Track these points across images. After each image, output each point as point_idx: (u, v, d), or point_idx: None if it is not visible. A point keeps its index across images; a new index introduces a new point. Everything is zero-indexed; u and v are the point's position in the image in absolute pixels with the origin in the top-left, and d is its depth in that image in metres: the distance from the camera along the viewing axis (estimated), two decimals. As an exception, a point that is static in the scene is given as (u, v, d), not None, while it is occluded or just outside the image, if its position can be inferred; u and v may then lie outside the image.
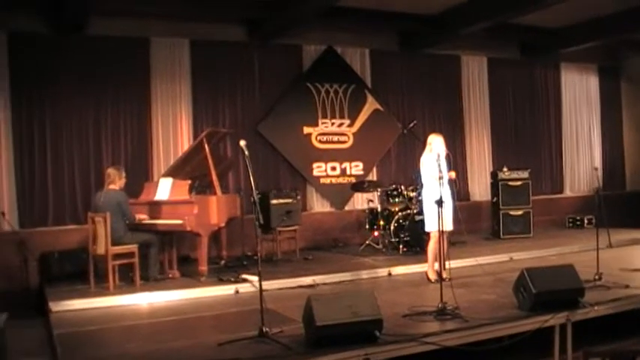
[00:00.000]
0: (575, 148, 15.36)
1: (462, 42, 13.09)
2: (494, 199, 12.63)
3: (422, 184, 8.59)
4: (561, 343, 6.08)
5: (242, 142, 6.17)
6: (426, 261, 8.61)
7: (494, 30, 12.32)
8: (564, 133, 15.23)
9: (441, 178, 7.01)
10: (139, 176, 10.41)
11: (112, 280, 8.16)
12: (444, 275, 7.41)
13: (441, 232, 7.01)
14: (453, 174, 8.15)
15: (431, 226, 8.18)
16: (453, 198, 8.02)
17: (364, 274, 9.04)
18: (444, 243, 7.34)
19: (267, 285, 7.69)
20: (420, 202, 9.68)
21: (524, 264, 7.70)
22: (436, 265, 8.26)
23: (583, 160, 15.39)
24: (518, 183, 12.50)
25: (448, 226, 8.05)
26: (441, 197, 6.82)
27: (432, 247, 8.31)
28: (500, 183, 12.48)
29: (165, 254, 9.21)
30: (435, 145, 8.17)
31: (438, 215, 6.83)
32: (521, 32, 13.47)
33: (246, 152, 6.08)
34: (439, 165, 7.09)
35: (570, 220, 14.25)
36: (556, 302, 6.20)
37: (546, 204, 14.38)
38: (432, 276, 8.41)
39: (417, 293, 7.73)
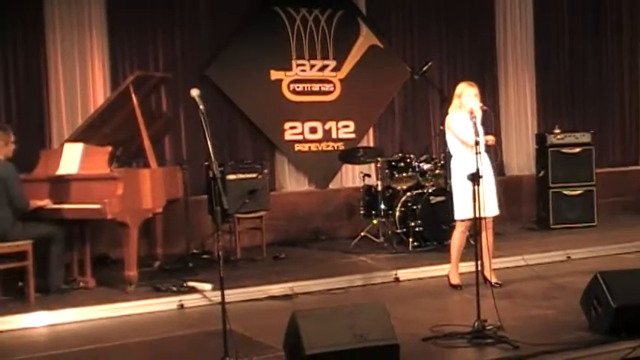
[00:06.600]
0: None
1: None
2: (541, 173, 12.73)
3: (450, 155, 8.58)
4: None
5: (195, 92, 6.16)
6: (448, 261, 8.65)
7: None
8: (645, 78, 15.33)
9: (477, 144, 6.97)
10: (32, 141, 10.29)
11: (-7, 294, 8.17)
12: (493, 280, 7.43)
13: (482, 220, 6.98)
14: (491, 138, 8.19)
15: (462, 212, 8.14)
16: (495, 172, 8.00)
17: (360, 280, 9.06)
18: (488, 234, 7.36)
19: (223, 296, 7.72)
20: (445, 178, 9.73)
21: (587, 265, 7.79)
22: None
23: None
24: (576, 150, 12.55)
25: (491, 211, 7.97)
26: (478, 170, 6.79)
27: (456, 239, 8.41)
28: (550, 150, 12.53)
29: (73, 254, 9.18)
30: (467, 99, 8.11)
31: (473, 196, 6.78)
32: None
33: (202, 106, 6.08)
34: (475, 126, 7.07)
35: (651, 201, 14.42)
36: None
37: (617, 180, 14.46)
38: (455, 279, 8.49)
39: (440, 307, 7.78)
